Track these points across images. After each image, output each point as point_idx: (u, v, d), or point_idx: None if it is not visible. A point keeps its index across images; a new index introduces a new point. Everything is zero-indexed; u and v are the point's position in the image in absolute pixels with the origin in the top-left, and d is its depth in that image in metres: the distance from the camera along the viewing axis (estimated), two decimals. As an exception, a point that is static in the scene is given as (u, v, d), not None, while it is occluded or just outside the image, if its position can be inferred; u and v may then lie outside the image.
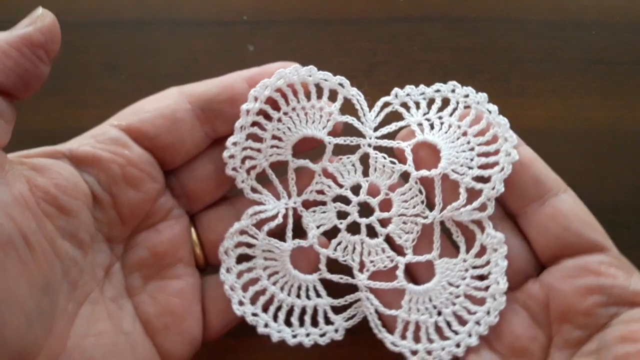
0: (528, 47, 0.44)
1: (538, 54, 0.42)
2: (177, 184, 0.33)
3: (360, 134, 0.33)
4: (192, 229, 0.34)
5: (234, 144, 0.32)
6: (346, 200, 0.33)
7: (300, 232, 0.34)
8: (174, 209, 0.33)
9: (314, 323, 0.33)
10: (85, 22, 0.45)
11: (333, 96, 0.33)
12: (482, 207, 0.32)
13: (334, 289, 0.34)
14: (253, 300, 0.33)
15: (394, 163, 0.33)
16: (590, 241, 0.31)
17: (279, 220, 0.32)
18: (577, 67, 0.44)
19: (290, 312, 0.33)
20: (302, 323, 0.33)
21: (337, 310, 0.34)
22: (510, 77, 0.45)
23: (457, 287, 0.33)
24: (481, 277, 0.32)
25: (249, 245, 0.33)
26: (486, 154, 0.32)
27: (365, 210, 0.34)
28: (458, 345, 0.32)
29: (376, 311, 0.33)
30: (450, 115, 0.33)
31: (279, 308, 0.33)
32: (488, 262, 0.32)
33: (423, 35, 0.45)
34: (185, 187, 0.33)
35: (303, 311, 0.33)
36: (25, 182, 0.27)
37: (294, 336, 0.33)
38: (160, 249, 0.32)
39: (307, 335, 0.33)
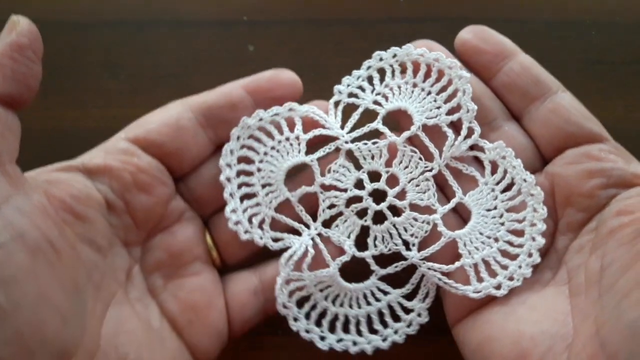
0: (528, 47, 0.44)
1: (538, 54, 0.43)
2: (187, 190, 0.37)
3: (333, 139, 0.37)
4: (207, 234, 0.37)
5: (233, 210, 0.35)
6: (357, 199, 0.36)
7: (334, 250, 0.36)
8: (185, 212, 0.36)
9: (396, 319, 0.36)
10: (86, 22, 0.46)
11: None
12: (470, 132, 0.36)
13: (396, 281, 0.36)
14: (331, 329, 0.35)
15: (376, 142, 0.36)
16: (590, 132, 0.35)
17: (312, 252, 0.35)
18: (577, 67, 0.46)
19: (370, 322, 0.36)
20: (385, 325, 0.36)
21: (409, 297, 0.36)
22: None
23: (495, 208, 0.35)
24: (509, 187, 0.35)
25: (300, 289, 0.35)
26: (443, 89, 0.36)
27: (378, 196, 0.37)
28: (530, 255, 0.34)
29: (443, 274, 0.35)
30: (392, 79, 0.37)
31: (358, 323, 0.36)
32: (505, 171, 0.35)
33: (423, 36, 0.46)
34: (194, 192, 0.37)
35: (381, 314, 0.36)
36: (43, 193, 0.30)
37: (385, 339, 0.35)
38: (176, 249, 0.35)
39: (396, 332, 0.35)
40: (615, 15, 0.47)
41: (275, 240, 0.36)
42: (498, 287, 0.34)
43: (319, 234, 0.36)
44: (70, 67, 0.44)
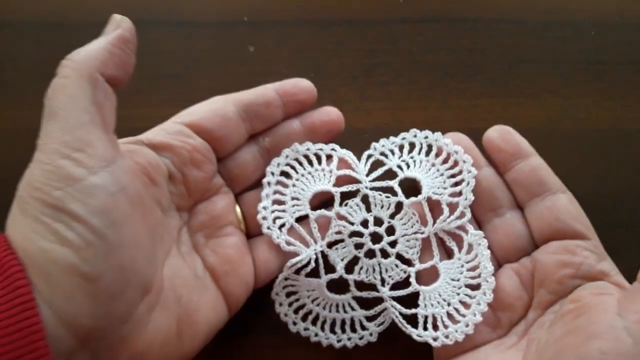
0: (527, 47, 0.51)
1: (537, 54, 0.49)
2: (224, 170, 0.48)
3: (357, 182, 0.50)
4: (237, 208, 0.48)
5: (264, 208, 0.49)
6: (359, 234, 0.49)
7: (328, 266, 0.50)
8: (223, 187, 0.48)
9: (353, 330, 0.50)
10: (86, 23, 0.51)
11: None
12: (462, 215, 0.48)
13: (365, 304, 0.49)
14: (304, 319, 0.50)
15: (388, 197, 0.49)
16: (574, 230, 0.44)
17: (312, 265, 0.49)
18: (576, 67, 0.51)
19: (333, 324, 0.50)
20: (343, 331, 0.49)
21: (369, 319, 0.50)
22: (510, 78, 0.53)
23: (458, 280, 0.48)
24: (474, 268, 0.48)
25: (293, 286, 0.50)
26: (453, 176, 0.49)
27: (376, 238, 0.49)
28: (467, 325, 0.47)
29: (400, 314, 0.48)
30: (419, 154, 0.50)
31: (324, 322, 0.50)
32: (476, 255, 0.48)
33: (422, 36, 0.53)
34: (230, 172, 0.48)
35: (343, 322, 0.50)
36: (130, 159, 0.40)
37: (339, 341, 0.49)
38: (215, 213, 0.47)
39: (349, 339, 0.49)
40: (615, 15, 0.52)
41: (288, 243, 0.49)
42: (435, 339, 0.47)
43: (322, 251, 0.49)
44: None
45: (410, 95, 0.54)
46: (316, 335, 0.49)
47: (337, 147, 0.50)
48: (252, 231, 0.50)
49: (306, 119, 0.50)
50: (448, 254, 0.49)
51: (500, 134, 0.47)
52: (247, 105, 0.47)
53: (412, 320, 0.48)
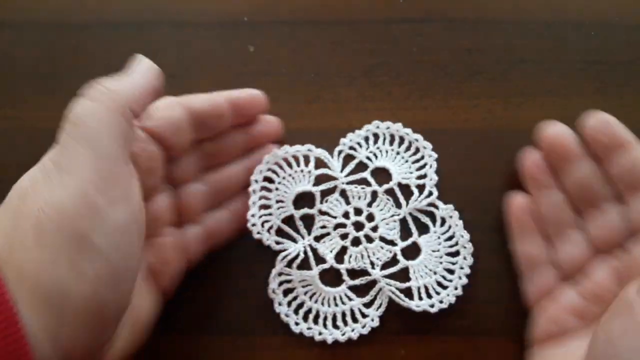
0: (527, 47, 0.51)
1: (537, 54, 0.50)
2: (166, 171, 0.48)
3: (334, 178, 0.55)
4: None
5: (252, 215, 0.54)
6: (343, 225, 0.55)
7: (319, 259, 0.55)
8: (164, 187, 0.48)
9: (355, 321, 0.53)
10: (87, 23, 0.51)
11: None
12: (429, 194, 0.54)
13: (360, 292, 0.53)
14: (305, 318, 0.54)
15: (364, 188, 0.55)
16: None
17: (302, 257, 0.54)
18: (577, 67, 0.52)
19: (334, 319, 0.54)
20: (345, 324, 0.53)
21: (367, 305, 0.53)
22: (510, 78, 0.53)
23: (438, 251, 0.53)
24: (450, 238, 0.53)
25: (288, 281, 0.54)
26: (417, 161, 0.55)
27: (358, 226, 0.54)
28: (456, 288, 0.51)
29: (396, 288, 0.52)
30: (383, 144, 0.56)
31: (325, 318, 0.54)
32: (450, 226, 0.52)
33: (422, 36, 0.53)
34: (171, 173, 0.49)
35: (343, 315, 0.54)
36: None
37: (343, 334, 0.53)
38: (157, 215, 0.47)
39: (353, 330, 0.53)
40: (615, 15, 0.52)
41: (277, 243, 0.54)
42: (432, 305, 0.51)
43: (310, 245, 0.55)
44: (71, 68, 0.46)
45: (410, 95, 0.56)
46: (320, 333, 0.53)
47: (312, 147, 0.55)
48: (184, 218, 0.51)
49: (250, 129, 0.53)
50: (425, 229, 0.54)
51: (597, 122, 0.46)
52: (197, 114, 0.48)
53: (407, 295, 0.52)
